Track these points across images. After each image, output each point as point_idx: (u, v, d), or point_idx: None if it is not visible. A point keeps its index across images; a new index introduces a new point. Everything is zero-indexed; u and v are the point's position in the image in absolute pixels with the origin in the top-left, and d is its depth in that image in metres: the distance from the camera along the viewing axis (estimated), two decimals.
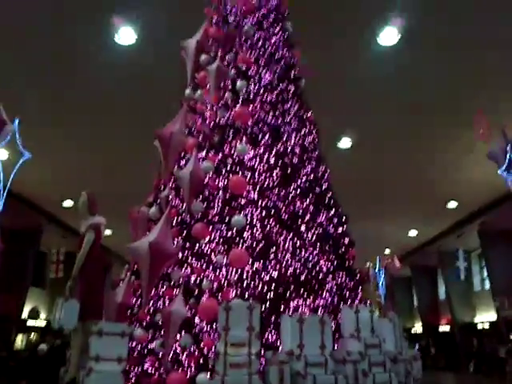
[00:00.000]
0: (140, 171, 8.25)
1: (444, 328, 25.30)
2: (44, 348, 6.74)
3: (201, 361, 4.18)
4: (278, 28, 6.47)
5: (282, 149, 5.75)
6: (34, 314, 20.65)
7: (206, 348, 4.24)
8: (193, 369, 4.12)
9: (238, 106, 5.59)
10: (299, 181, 5.68)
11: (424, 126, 11.22)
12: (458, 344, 21.76)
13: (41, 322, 20.91)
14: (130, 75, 9.30)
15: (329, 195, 5.92)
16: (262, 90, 5.90)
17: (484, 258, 19.30)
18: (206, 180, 5.24)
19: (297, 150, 5.88)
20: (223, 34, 6.09)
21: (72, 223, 16.70)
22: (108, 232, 16.74)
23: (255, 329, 4.07)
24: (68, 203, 15.69)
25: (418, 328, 28.95)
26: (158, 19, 8.20)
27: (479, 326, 21.44)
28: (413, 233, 20.67)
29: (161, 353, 4.31)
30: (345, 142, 12.32)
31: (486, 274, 19.75)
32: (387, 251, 22.31)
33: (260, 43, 6.25)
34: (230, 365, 3.88)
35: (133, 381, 4.35)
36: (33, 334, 20.48)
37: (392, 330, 4.81)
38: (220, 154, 5.46)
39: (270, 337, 4.47)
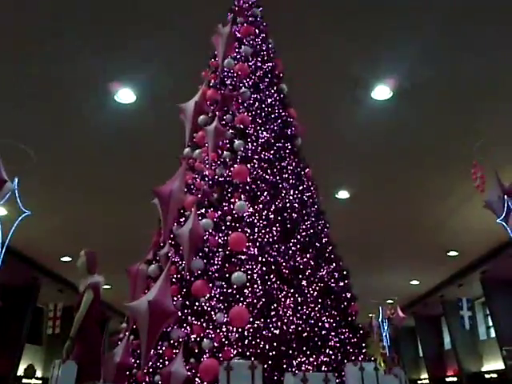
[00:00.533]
0: (139, 228, 8.28)
1: (451, 379, 24.62)
2: None
3: None
4: (273, 89, 6.66)
5: (280, 205, 5.79)
6: (30, 372, 20.05)
7: None
8: None
9: (236, 164, 5.70)
10: (299, 236, 5.69)
11: (422, 176, 11.36)
12: None
13: (37, 381, 20.30)
14: (130, 133, 9.51)
15: (329, 249, 5.93)
16: (259, 149, 6.01)
17: (488, 306, 19.03)
18: (206, 237, 5.27)
19: (296, 206, 5.93)
20: (221, 95, 6.27)
21: (70, 277, 16.56)
22: (106, 286, 16.56)
23: None
24: (66, 258, 15.63)
25: (424, 379, 28.14)
26: (158, 80, 8.47)
27: (487, 376, 20.88)
28: (415, 282, 20.48)
29: None
30: (343, 194, 12.42)
31: (490, 322, 19.42)
32: (390, 302, 22.00)
33: (256, 104, 6.42)
34: None
35: None
36: None
37: None
38: (219, 211, 5.51)
39: None
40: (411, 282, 20.45)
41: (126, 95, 8.85)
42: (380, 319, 20.75)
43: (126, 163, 10.49)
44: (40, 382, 20.11)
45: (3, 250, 10.22)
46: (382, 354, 19.21)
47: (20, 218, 10.22)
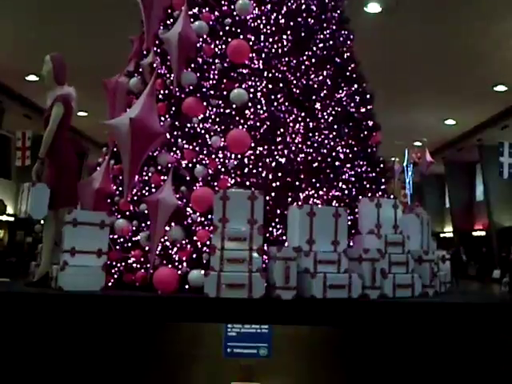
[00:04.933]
0: (117, 35, 7.98)
1: (478, 233, 26.04)
2: None
3: (193, 256, 4.31)
4: None
5: (294, 6, 5.51)
6: (0, 209, 21.16)
7: (199, 242, 4.35)
8: (184, 264, 4.27)
9: None
10: (315, 48, 5.51)
11: None
12: (493, 251, 22.50)
13: (8, 218, 21.53)
14: None
15: (351, 67, 5.78)
16: None
17: None
18: (199, 44, 5.09)
19: (313, 8, 5.63)
20: None
21: (38, 101, 16.57)
22: (82, 113, 16.64)
23: (257, 221, 4.16)
24: (32, 78, 15.52)
25: (448, 233, 29.79)
26: None
27: None
28: (450, 122, 20.53)
29: (147, 246, 4.44)
30: (373, 6, 11.83)
31: None
32: (417, 144, 22.26)
33: None
34: (227, 260, 4.02)
35: (115, 277, 4.53)
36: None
37: (418, 226, 4.92)
38: (216, 12, 5.26)
39: (274, 231, 4.58)
40: (446, 122, 20.47)
41: None
42: (404, 163, 21.19)
43: None
44: (12, 218, 21.29)
45: None
46: (402, 202, 19.97)
47: None
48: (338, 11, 5.96)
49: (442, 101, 17.55)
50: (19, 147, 16.94)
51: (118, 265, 4.54)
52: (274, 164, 4.81)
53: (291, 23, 5.42)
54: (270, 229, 4.55)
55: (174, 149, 4.86)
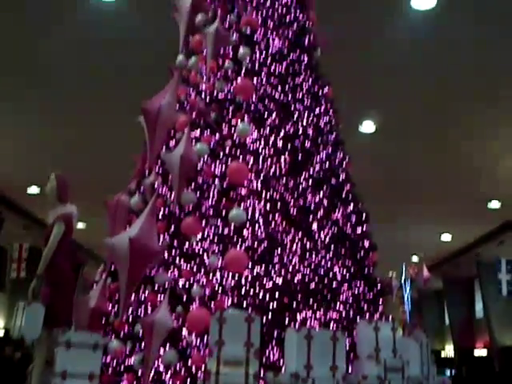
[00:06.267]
0: (120, 153, 8.22)
1: (480, 352, 25.36)
2: None
3: (188, 381, 4.21)
4: None
5: (291, 130, 5.77)
6: None
7: (194, 366, 4.27)
8: None
9: (239, 77, 5.60)
10: (312, 169, 5.70)
11: (465, 111, 11.17)
12: (496, 371, 21.83)
13: None
14: (109, 37, 9.24)
15: (347, 188, 5.95)
16: (269, 60, 5.90)
17: None
18: (200, 165, 5.26)
19: (310, 132, 5.90)
20: None
21: (37, 212, 16.76)
22: (81, 225, 16.76)
23: (254, 345, 4.09)
24: (34, 190, 15.76)
25: (449, 351, 29.03)
26: None
27: None
28: (446, 237, 20.66)
29: (140, 370, 4.34)
30: (368, 126, 12.30)
31: None
32: (415, 259, 22.28)
33: (268, 3, 6.24)
34: None
35: None
36: None
37: (418, 351, 4.84)
38: (217, 135, 5.48)
39: (271, 355, 4.50)
40: (442, 237, 20.61)
41: None
42: (402, 279, 21.09)
43: (105, 77, 10.30)
44: (2, 331, 20.82)
45: None
46: (401, 319, 19.73)
47: None
48: (334, 135, 6.23)
49: (438, 217, 17.76)
50: (15, 259, 16.94)
51: None
52: (271, 284, 4.82)
53: (289, 146, 5.64)
54: (267, 352, 4.48)
55: (172, 268, 4.88)
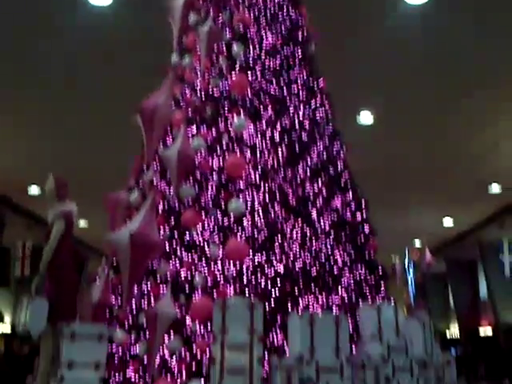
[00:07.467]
0: (118, 151, 8.27)
1: (485, 332, 25.31)
2: None
3: (193, 367, 4.25)
4: None
5: (288, 123, 5.83)
6: None
7: (198, 352, 4.31)
8: (183, 376, 4.20)
9: (234, 73, 5.67)
10: (309, 160, 5.75)
11: (463, 96, 11.19)
12: (502, 349, 21.78)
13: (5, 327, 21.10)
14: (102, 40, 9.32)
15: (345, 176, 5.99)
16: (262, 55, 5.97)
17: None
18: (198, 160, 5.32)
19: (306, 125, 5.95)
20: None
21: (39, 212, 16.86)
22: (83, 223, 16.86)
23: (257, 330, 4.15)
24: (34, 190, 15.91)
25: (454, 332, 28.96)
26: None
27: None
28: (448, 222, 20.69)
29: (146, 358, 4.39)
30: (366, 117, 12.31)
31: None
32: (417, 243, 22.24)
33: (261, 0, 6.33)
34: (227, 371, 3.96)
35: None
36: None
37: (421, 330, 4.87)
38: (214, 130, 5.54)
39: (275, 339, 4.54)
40: (444, 222, 20.66)
41: None
42: (406, 264, 21.05)
43: (104, 76, 10.40)
44: (9, 328, 20.88)
45: None
46: (406, 302, 19.64)
47: None
48: (330, 126, 6.28)
49: (440, 201, 17.76)
50: (19, 257, 17.04)
51: (116, 378, 4.46)
52: (272, 272, 4.86)
53: (285, 138, 5.70)
54: (271, 337, 4.51)
55: (173, 259, 4.93)
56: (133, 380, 4.37)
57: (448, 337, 28.25)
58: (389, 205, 14.51)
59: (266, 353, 4.25)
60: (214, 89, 5.74)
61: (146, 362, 4.36)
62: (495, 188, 16.60)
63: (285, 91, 6.03)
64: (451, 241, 23.45)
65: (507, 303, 22.16)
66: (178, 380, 4.18)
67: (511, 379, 12.27)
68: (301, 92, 6.19)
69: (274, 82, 5.98)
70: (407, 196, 16.73)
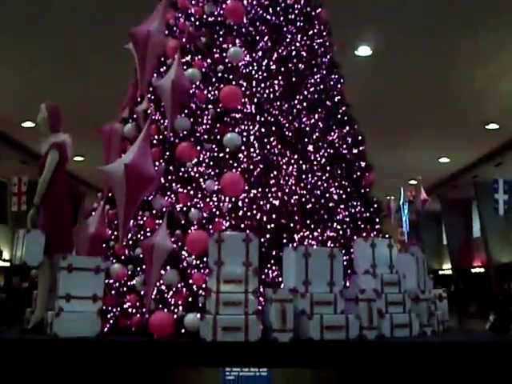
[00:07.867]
0: (112, 81, 8.07)
1: (477, 270, 26.04)
2: None
3: (189, 299, 4.32)
4: None
5: (284, 53, 5.68)
6: None
7: (195, 285, 4.37)
8: (180, 308, 4.27)
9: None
10: (306, 92, 5.65)
11: (464, 34, 10.94)
12: (492, 286, 22.47)
13: (4, 263, 21.40)
14: None
15: (342, 110, 5.90)
16: None
17: None
18: (192, 90, 5.21)
19: (303, 55, 5.80)
20: None
21: (34, 147, 16.74)
22: (78, 158, 16.77)
23: (253, 263, 4.20)
24: (29, 124, 15.72)
25: (446, 270, 29.79)
26: None
27: None
28: (444, 160, 20.76)
29: (143, 291, 4.45)
30: (364, 50, 12.06)
31: None
32: (413, 182, 22.44)
33: None
34: (223, 303, 4.04)
35: (111, 322, 4.52)
36: None
37: (414, 265, 4.95)
38: (209, 60, 5.40)
39: (270, 273, 4.60)
40: (440, 160, 20.69)
41: None
42: (401, 202, 21.32)
43: (97, 6, 10.06)
44: (7, 264, 21.18)
45: None
46: (400, 240, 20.05)
47: None
48: (328, 56, 6.13)
49: (436, 139, 17.76)
50: (15, 192, 17.05)
51: (114, 310, 4.53)
52: (268, 206, 4.86)
53: (282, 69, 5.57)
54: (266, 271, 4.57)
55: (169, 193, 4.91)
56: (130, 312, 4.44)
57: (440, 274, 29.04)
58: (385, 144, 14.43)
59: (261, 286, 4.30)
60: (209, 16, 5.54)
61: (143, 295, 4.41)
62: (492, 126, 16.52)
63: (281, 19, 5.84)
64: (446, 180, 23.62)
65: (500, 242, 22.63)
66: (175, 312, 4.25)
67: (497, 313, 12.70)
68: (298, 20, 6.00)
69: (271, 10, 5.79)
70: (404, 136, 16.65)
